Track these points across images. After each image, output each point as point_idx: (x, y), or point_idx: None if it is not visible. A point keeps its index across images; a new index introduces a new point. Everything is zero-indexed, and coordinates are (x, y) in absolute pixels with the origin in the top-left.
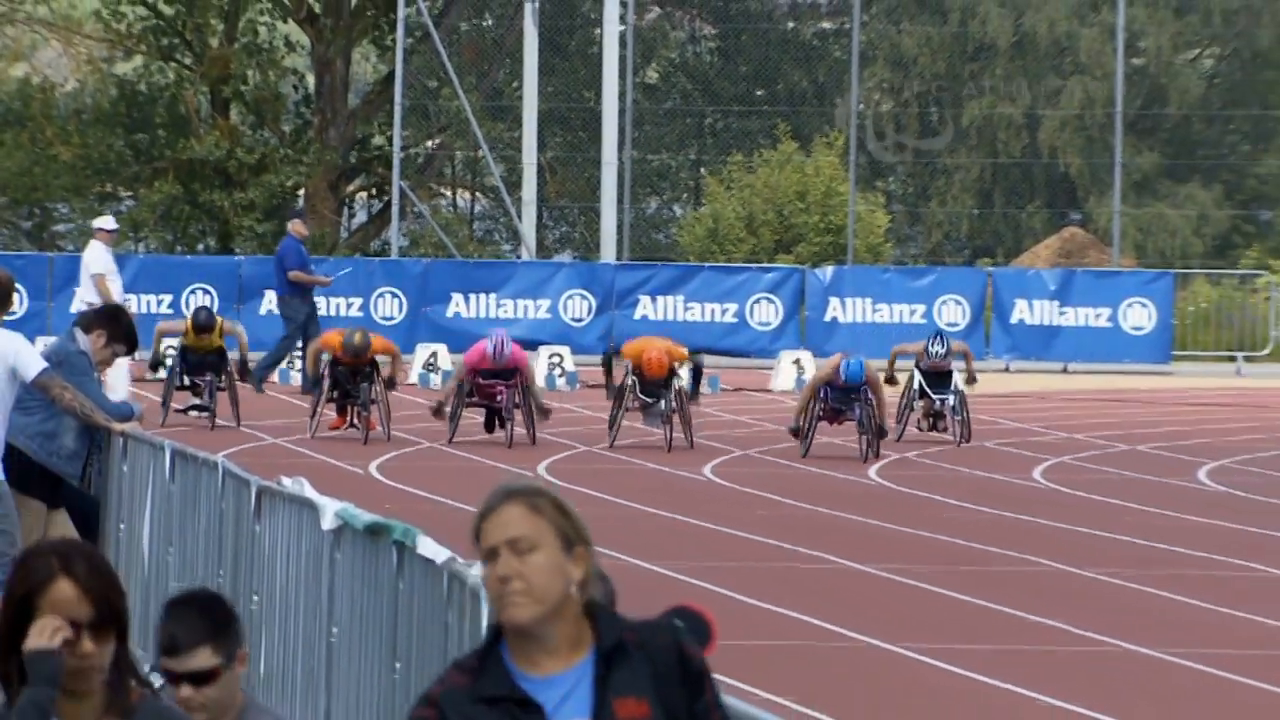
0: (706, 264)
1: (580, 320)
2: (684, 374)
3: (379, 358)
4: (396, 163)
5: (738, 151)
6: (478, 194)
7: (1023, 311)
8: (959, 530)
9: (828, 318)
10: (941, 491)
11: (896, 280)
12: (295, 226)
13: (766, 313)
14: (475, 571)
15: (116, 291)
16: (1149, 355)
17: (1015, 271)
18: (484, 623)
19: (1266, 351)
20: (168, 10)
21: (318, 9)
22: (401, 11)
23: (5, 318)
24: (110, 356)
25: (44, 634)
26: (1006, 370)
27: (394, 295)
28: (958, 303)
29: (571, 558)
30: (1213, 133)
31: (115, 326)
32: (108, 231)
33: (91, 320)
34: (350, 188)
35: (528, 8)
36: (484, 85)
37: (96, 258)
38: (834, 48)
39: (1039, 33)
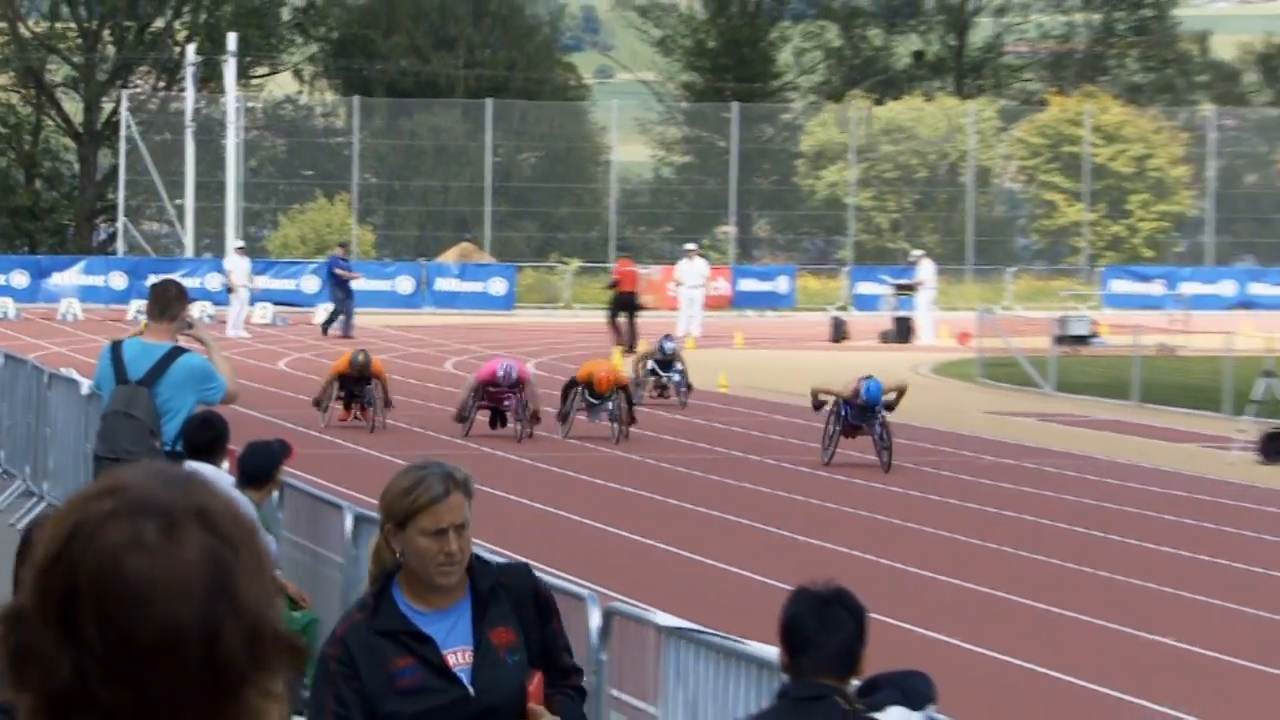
0: (285, 259)
1: (215, 289)
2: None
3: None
4: (121, 207)
5: (297, 204)
6: (164, 224)
7: (441, 285)
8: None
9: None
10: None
11: (377, 269)
12: (337, 251)
13: (312, 285)
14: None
15: (235, 280)
16: (502, 306)
17: (438, 265)
18: None
19: (562, 304)
20: (4, 130)
21: (81, 131)
22: (123, 132)
23: None
24: None
25: None
26: (434, 314)
27: (121, 274)
28: (408, 280)
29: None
30: (537, 194)
31: None
32: (238, 249)
33: None
34: (99, 221)
35: (188, 130)
36: (168, 169)
37: (229, 260)
38: (344, 148)
39: (449, 144)
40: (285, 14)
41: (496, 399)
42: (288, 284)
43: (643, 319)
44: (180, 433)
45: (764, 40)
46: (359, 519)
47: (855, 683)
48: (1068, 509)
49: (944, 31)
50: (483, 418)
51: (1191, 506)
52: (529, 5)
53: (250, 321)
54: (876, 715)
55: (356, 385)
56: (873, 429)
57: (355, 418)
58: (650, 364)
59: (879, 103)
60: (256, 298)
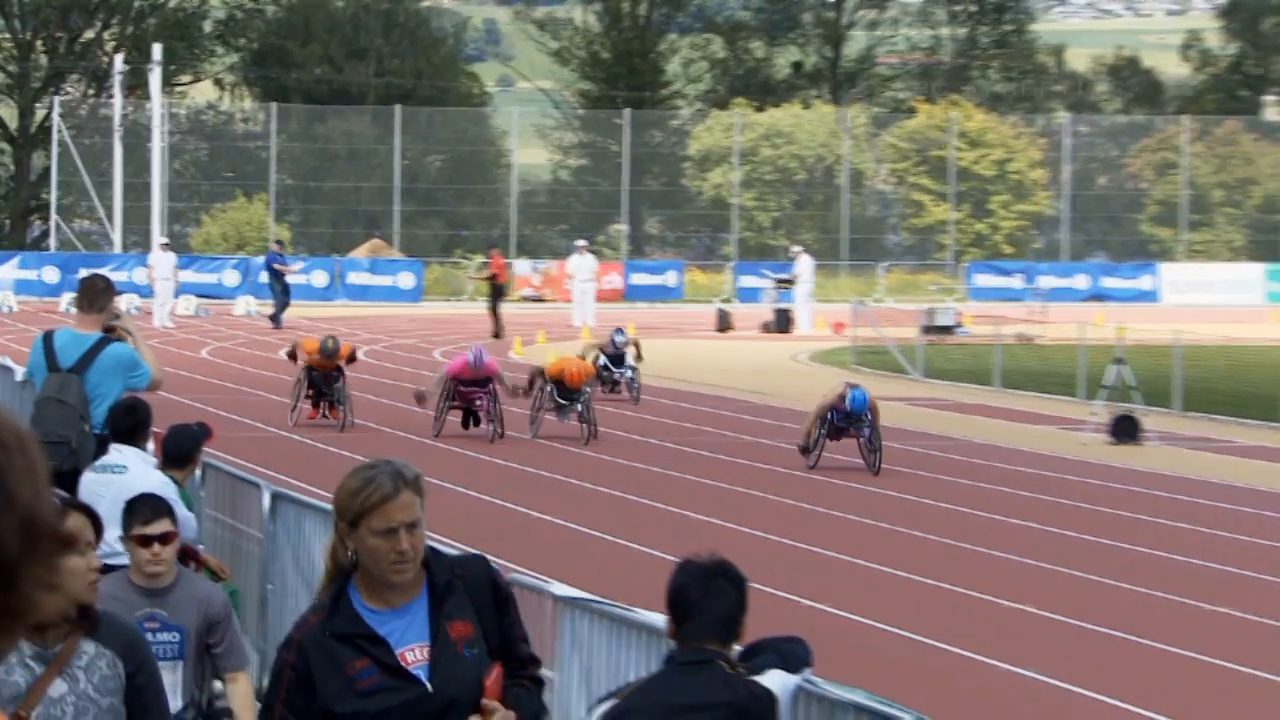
0: (208, 255)
1: (141, 283)
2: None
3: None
4: (53, 206)
5: (219, 204)
6: (94, 222)
7: (353, 278)
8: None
9: (263, 280)
10: None
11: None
12: (272, 246)
13: (233, 279)
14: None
15: (159, 274)
16: (411, 298)
17: (350, 260)
18: None
19: (465, 296)
20: None
21: (15, 135)
22: (55, 136)
23: None
24: None
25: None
26: (346, 306)
27: (54, 268)
28: (322, 274)
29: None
30: (443, 194)
31: None
32: (163, 245)
33: None
34: (33, 218)
35: (116, 135)
36: (97, 170)
37: (154, 256)
38: (262, 151)
39: (360, 148)
40: (208, 26)
41: (467, 398)
42: (210, 278)
43: (540, 310)
44: (107, 417)
45: (653, 51)
46: (276, 496)
47: (737, 648)
48: (938, 487)
49: (821, 44)
50: (454, 418)
51: (1049, 484)
52: (435, 18)
53: (175, 313)
54: (757, 678)
55: (325, 382)
56: (860, 432)
57: (324, 415)
58: (602, 360)
59: (760, 109)
60: (180, 291)
